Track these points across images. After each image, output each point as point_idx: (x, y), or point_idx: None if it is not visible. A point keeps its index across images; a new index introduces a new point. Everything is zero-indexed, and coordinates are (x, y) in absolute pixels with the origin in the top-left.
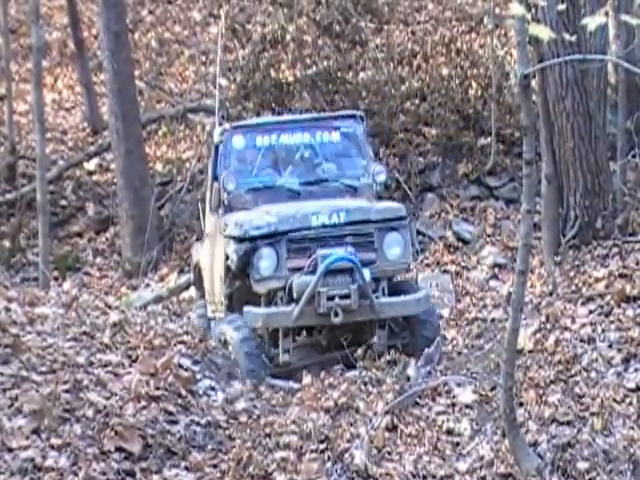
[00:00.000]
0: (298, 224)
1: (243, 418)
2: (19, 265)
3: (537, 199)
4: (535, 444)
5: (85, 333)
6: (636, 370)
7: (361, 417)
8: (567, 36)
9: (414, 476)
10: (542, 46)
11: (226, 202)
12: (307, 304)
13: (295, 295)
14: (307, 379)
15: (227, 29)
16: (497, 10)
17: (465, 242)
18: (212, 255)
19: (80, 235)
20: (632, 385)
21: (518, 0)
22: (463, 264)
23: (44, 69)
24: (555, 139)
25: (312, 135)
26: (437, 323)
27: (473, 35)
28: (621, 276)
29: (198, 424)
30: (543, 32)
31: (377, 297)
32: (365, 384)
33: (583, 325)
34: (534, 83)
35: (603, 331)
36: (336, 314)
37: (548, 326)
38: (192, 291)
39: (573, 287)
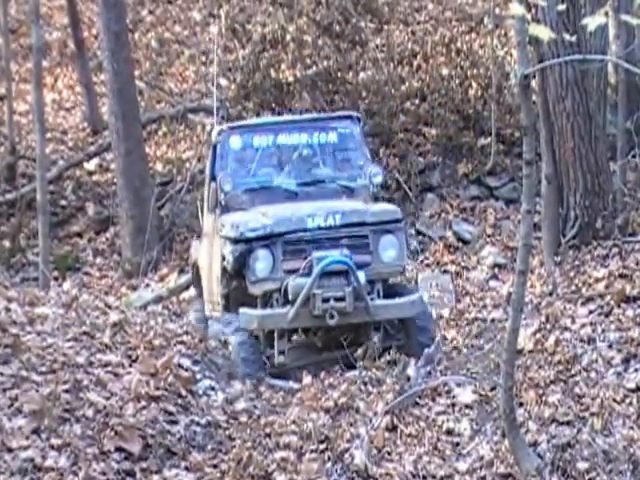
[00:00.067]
0: (294, 226)
1: (243, 418)
2: (19, 265)
3: (537, 199)
4: (535, 444)
5: (85, 333)
6: (636, 370)
7: (361, 417)
8: (567, 36)
9: (414, 476)
10: (542, 46)
11: (223, 202)
12: (302, 306)
13: (290, 297)
14: (307, 379)
15: (227, 29)
16: (497, 10)
17: (465, 242)
18: (210, 255)
19: (80, 235)
20: (632, 385)
21: (518, 0)
22: (463, 264)
23: (44, 69)
24: (555, 139)
25: (309, 136)
26: (432, 325)
27: (473, 35)
28: (621, 276)
29: (198, 424)
30: (543, 32)
31: (372, 299)
32: (365, 384)
33: (583, 325)
34: (534, 83)
35: (603, 331)
36: (331, 316)
37: (548, 326)
38: (192, 291)
39: (573, 287)
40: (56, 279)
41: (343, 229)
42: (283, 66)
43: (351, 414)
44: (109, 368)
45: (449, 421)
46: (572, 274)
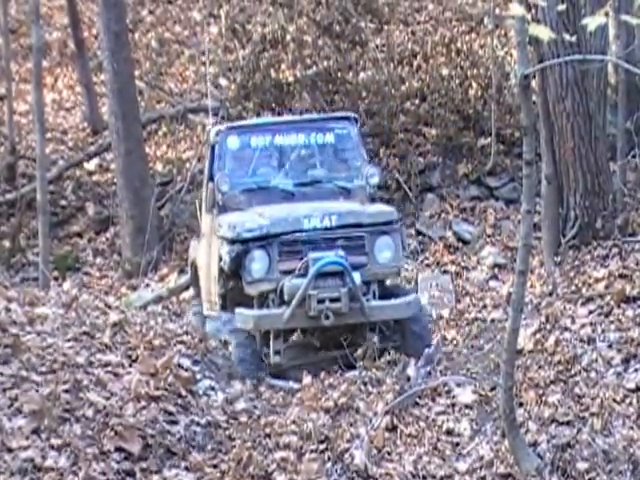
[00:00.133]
0: (290, 227)
1: (243, 418)
2: (19, 265)
3: (537, 199)
4: (535, 444)
5: (85, 333)
6: (636, 370)
7: (361, 417)
8: (567, 36)
9: (414, 476)
10: (542, 46)
11: (220, 202)
12: (298, 306)
13: (286, 297)
14: (307, 379)
15: (227, 29)
16: (497, 10)
17: (465, 242)
18: (208, 254)
19: (80, 235)
20: (632, 385)
21: (518, 0)
22: (463, 264)
23: (44, 69)
24: (555, 139)
25: (307, 136)
26: (428, 326)
27: (473, 35)
28: (621, 276)
29: (198, 424)
30: (543, 32)
31: (368, 300)
32: (365, 384)
33: (583, 325)
34: (534, 83)
35: (603, 331)
36: (326, 317)
37: (548, 326)
38: (192, 291)
39: (573, 287)
40: (56, 279)
41: (339, 230)
42: (283, 66)
43: (351, 414)
44: (109, 368)
45: (449, 421)
46: (572, 274)
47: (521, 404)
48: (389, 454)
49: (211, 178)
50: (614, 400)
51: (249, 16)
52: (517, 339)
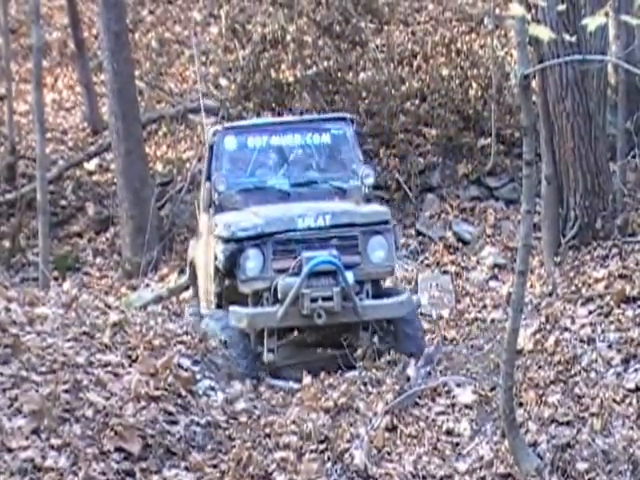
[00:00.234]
0: (284, 226)
1: (243, 418)
2: (19, 265)
3: (537, 200)
4: (535, 444)
5: (85, 333)
6: (636, 370)
7: (361, 417)
8: (567, 37)
9: (414, 476)
10: (542, 47)
11: (217, 202)
12: (291, 305)
13: (280, 296)
14: (307, 379)
15: (227, 29)
16: (497, 11)
17: (465, 243)
18: (205, 253)
19: (80, 235)
20: (631, 385)
21: (518, 1)
22: (463, 265)
23: (44, 69)
24: (555, 140)
25: (303, 137)
26: (420, 326)
27: (473, 36)
28: (621, 277)
29: (198, 424)
30: (543, 33)
31: (361, 299)
32: (365, 384)
33: (583, 325)
34: (534, 84)
35: (603, 332)
36: (319, 315)
37: (548, 326)
38: (191, 290)
39: (573, 287)
40: (56, 279)
41: (333, 230)
42: (283, 66)
43: (351, 414)
44: (109, 368)
45: (449, 421)
46: (572, 274)
47: (521, 404)
48: (389, 454)
49: (209, 178)
50: (614, 400)
51: (249, 16)
52: (517, 339)
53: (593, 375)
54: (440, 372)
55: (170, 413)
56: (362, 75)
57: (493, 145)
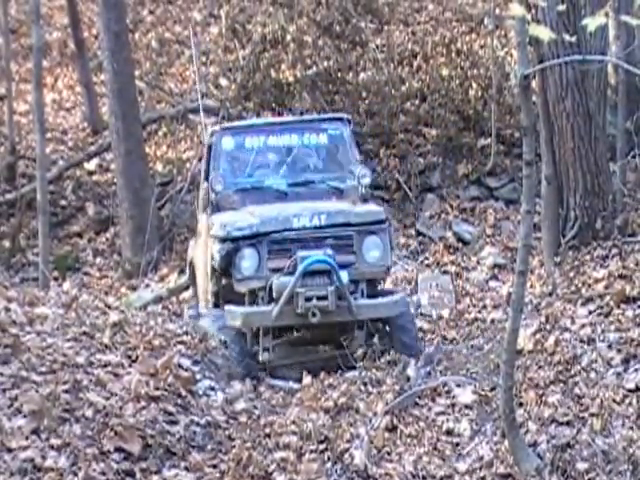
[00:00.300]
0: (280, 226)
1: (243, 418)
2: (19, 265)
3: (537, 200)
4: (535, 444)
5: (85, 333)
6: (635, 371)
7: (361, 417)
8: (567, 37)
9: (414, 476)
10: (542, 47)
11: (214, 202)
12: (286, 304)
13: (275, 295)
14: (307, 379)
15: (227, 29)
16: (497, 11)
17: (465, 243)
18: (203, 253)
19: (80, 235)
20: (631, 386)
21: (518, 1)
22: (463, 265)
23: (44, 69)
24: (555, 140)
25: (300, 137)
26: (414, 325)
27: (473, 36)
28: (621, 277)
29: (198, 424)
30: (543, 33)
31: (355, 299)
32: (365, 384)
33: (583, 326)
34: (534, 84)
35: (603, 332)
36: (314, 314)
37: (548, 327)
38: (191, 290)
39: (573, 288)
40: (56, 279)
41: (328, 229)
42: (283, 66)
43: (351, 414)
44: (109, 368)
45: (449, 421)
46: (572, 274)
47: (521, 404)
48: (389, 454)
49: (207, 178)
50: (614, 400)
51: (249, 16)
52: (517, 339)
53: (593, 375)
54: (440, 372)
55: (170, 413)
56: (362, 75)
57: (493, 145)
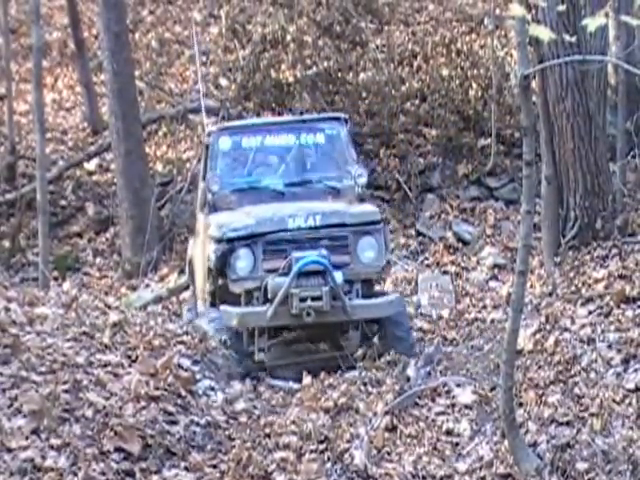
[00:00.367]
0: (275, 226)
1: (243, 418)
2: (19, 265)
3: (537, 200)
4: (534, 444)
5: (85, 333)
6: (635, 371)
7: (361, 417)
8: (567, 37)
9: (414, 476)
10: (542, 47)
11: (211, 202)
12: (281, 305)
13: (270, 295)
14: (307, 379)
15: (227, 29)
16: (497, 11)
17: (465, 243)
18: (201, 253)
19: (80, 235)
20: (631, 386)
21: (518, 1)
22: (463, 265)
23: (44, 69)
24: (555, 140)
25: (297, 137)
26: (409, 326)
27: (473, 36)
28: (621, 277)
29: (198, 424)
30: (543, 33)
31: (350, 299)
32: (365, 385)
33: (583, 326)
34: (534, 84)
35: (603, 332)
36: (308, 314)
37: (548, 327)
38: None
39: (573, 288)
40: (56, 279)
41: (323, 230)
42: (283, 66)
43: (351, 414)
44: (109, 368)
45: (449, 421)
46: (572, 275)
47: (521, 404)
48: (389, 454)
49: (204, 178)
50: (614, 400)
51: (249, 16)
52: (517, 339)
53: (593, 375)
54: (440, 372)
55: (170, 413)
56: (362, 75)
57: (493, 145)
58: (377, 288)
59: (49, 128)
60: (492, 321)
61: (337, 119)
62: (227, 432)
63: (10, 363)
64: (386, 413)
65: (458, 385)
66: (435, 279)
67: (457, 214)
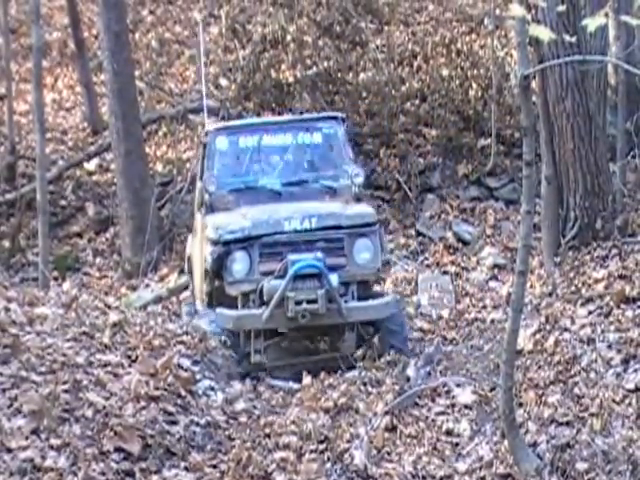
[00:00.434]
0: (271, 229)
1: (243, 418)
2: (19, 265)
3: (537, 200)
4: (534, 444)
5: (85, 333)
6: (635, 371)
7: (361, 417)
8: (567, 37)
9: (413, 476)
10: (542, 47)
11: (208, 203)
12: (277, 307)
13: (266, 298)
14: (307, 379)
15: (227, 29)
16: (497, 11)
17: (465, 243)
18: (198, 252)
19: (80, 235)
20: (631, 386)
21: (518, 1)
22: (463, 265)
23: (44, 69)
24: (555, 140)
25: (294, 136)
26: (405, 327)
27: (473, 36)
28: (620, 277)
29: (198, 424)
30: (543, 33)
31: (346, 301)
32: (365, 385)
33: (583, 326)
34: (534, 84)
35: (602, 332)
36: (303, 317)
37: (548, 327)
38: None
39: (573, 288)
40: (56, 279)
41: (318, 232)
42: (283, 66)
43: (351, 414)
44: (109, 368)
45: (449, 421)
46: (572, 275)
47: (521, 404)
48: (389, 454)
49: (202, 177)
50: (613, 400)
51: (249, 16)
52: (517, 339)
53: (593, 375)
54: (440, 372)
55: (170, 413)
56: (362, 75)
57: (493, 145)
58: (377, 289)
59: (49, 128)
60: (492, 321)
61: (334, 118)
62: (227, 432)
63: (10, 363)
64: (386, 413)
65: (458, 385)
66: (435, 279)
67: (457, 214)
